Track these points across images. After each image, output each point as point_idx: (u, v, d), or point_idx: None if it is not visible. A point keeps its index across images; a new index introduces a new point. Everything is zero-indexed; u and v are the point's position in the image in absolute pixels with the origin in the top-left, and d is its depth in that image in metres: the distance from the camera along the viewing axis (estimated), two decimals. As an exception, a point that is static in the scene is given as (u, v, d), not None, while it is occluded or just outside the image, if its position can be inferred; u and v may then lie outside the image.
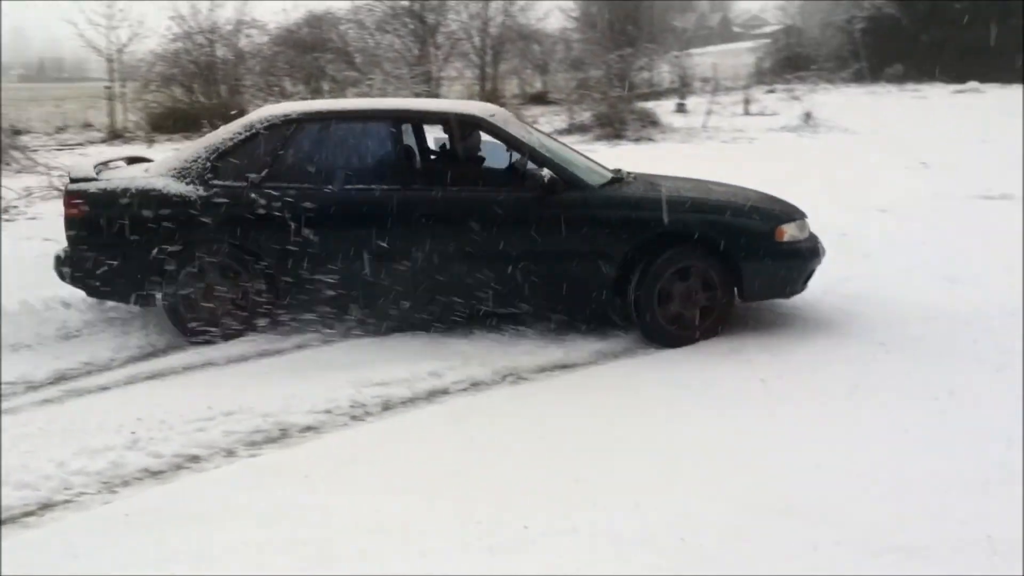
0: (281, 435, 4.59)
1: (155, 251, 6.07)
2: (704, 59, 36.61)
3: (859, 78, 34.77)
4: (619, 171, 6.79)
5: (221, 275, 6.13)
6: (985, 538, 3.32)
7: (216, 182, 6.14)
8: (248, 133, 6.28)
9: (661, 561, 3.27)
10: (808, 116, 20.67)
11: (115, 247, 6.14)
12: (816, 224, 6.43)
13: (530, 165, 6.24)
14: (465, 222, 5.98)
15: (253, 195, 6.04)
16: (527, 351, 5.77)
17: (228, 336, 6.10)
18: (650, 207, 6.04)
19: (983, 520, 3.48)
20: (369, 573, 3.26)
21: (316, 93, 20.82)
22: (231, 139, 6.30)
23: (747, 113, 24.09)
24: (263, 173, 6.12)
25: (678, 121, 21.50)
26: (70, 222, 6.25)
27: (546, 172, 6.03)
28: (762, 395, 4.93)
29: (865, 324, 6.09)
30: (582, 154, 7.06)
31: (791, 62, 36.49)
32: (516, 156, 6.48)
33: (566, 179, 6.08)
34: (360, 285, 6.05)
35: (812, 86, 30.91)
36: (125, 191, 6.18)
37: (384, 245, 5.97)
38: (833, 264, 6.52)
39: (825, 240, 6.37)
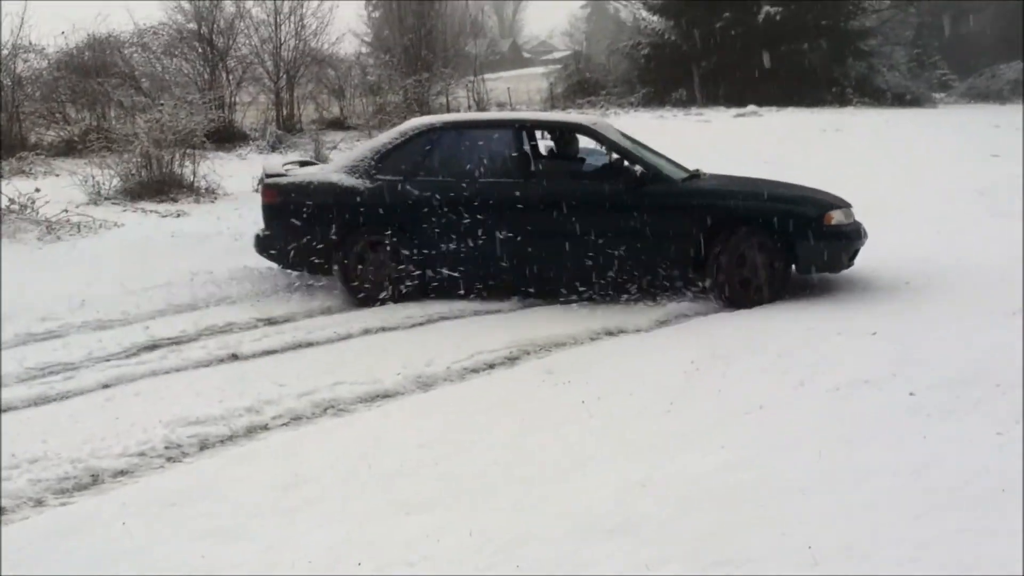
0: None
1: (332, 231, 7.58)
2: (498, 84, 37.16)
3: (647, 102, 35.99)
4: (697, 170, 8.16)
5: (384, 252, 7.64)
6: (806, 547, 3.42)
7: (379, 177, 7.72)
8: (403, 138, 7.95)
9: None
10: (602, 139, 21.18)
11: (302, 229, 7.64)
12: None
13: (623, 163, 7.78)
14: (573, 209, 7.44)
15: (408, 187, 7.61)
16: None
17: (386, 301, 7.48)
18: (723, 196, 7.69)
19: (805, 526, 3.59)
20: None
21: (103, 119, 19.91)
22: (390, 143, 7.98)
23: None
24: (414, 169, 7.72)
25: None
26: (267, 208, 7.95)
27: (638, 168, 7.58)
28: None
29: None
30: (664, 156, 8.36)
31: (582, 87, 37.47)
32: (613, 157, 8.00)
33: (654, 174, 7.59)
34: (488, 260, 7.52)
35: (603, 110, 31.85)
36: (309, 184, 7.91)
37: (507, 227, 7.47)
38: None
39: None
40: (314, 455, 4.53)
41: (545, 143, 8.54)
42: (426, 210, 7.55)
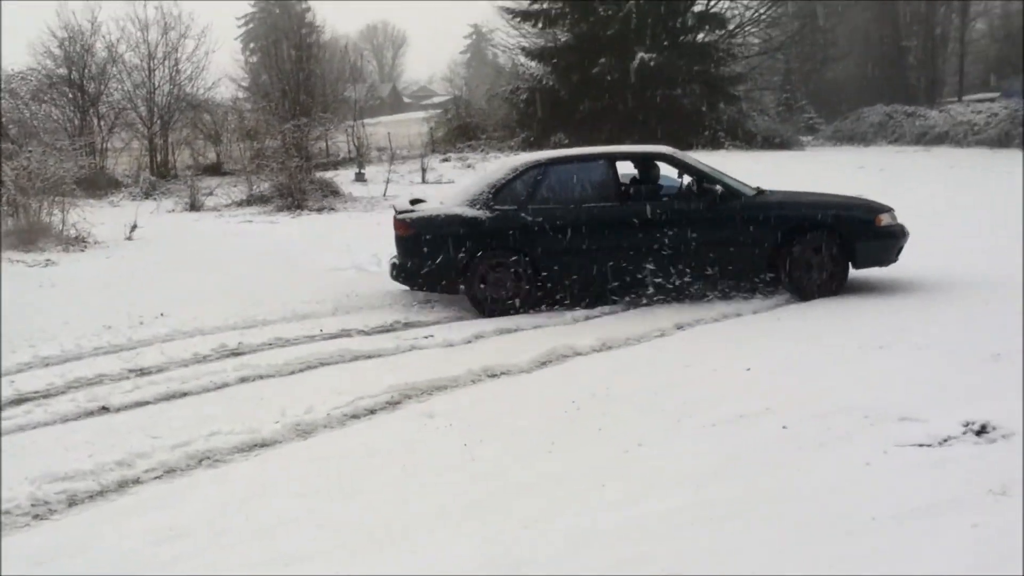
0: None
1: (460, 256, 8.79)
2: (378, 129, 37.15)
3: (527, 146, 36.35)
4: (759, 187, 9.41)
5: (503, 271, 8.84)
6: None
7: (496, 207, 8.93)
8: (514, 174, 9.14)
9: None
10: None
11: (432, 254, 8.83)
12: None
13: (698, 185, 9.15)
14: (663, 225, 8.81)
15: (522, 215, 8.87)
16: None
17: (507, 313, 8.69)
18: (791, 208, 9.13)
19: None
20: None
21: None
22: (503, 178, 9.13)
23: (424, 181, 24.59)
24: (526, 200, 8.95)
25: (359, 190, 21.64)
26: (401, 240, 9.13)
27: (718, 187, 8.92)
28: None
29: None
30: (732, 177, 9.40)
31: (462, 131, 37.70)
32: (686, 180, 9.35)
33: (730, 192, 8.98)
34: (592, 273, 8.86)
35: (484, 154, 32.08)
36: (437, 216, 9.11)
37: (608, 245, 8.80)
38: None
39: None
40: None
41: (627, 173, 9.77)
42: (538, 234, 8.82)
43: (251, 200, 20.02)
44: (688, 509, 4.12)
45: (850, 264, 8.90)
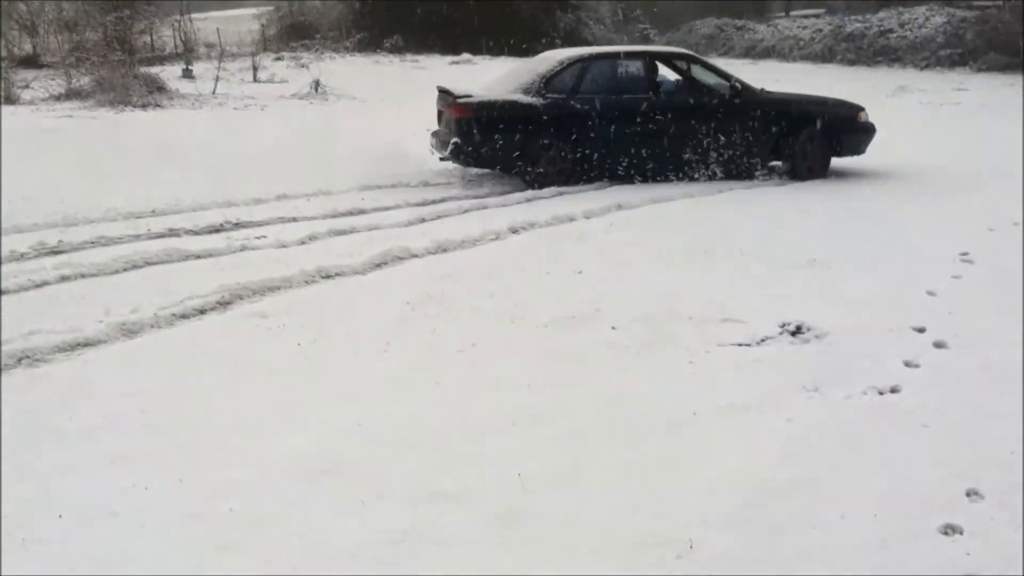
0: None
1: (516, 137, 9.94)
2: (207, 24, 35.66)
3: (362, 48, 35.64)
4: (762, 88, 11.13)
5: (553, 150, 10.16)
6: (516, 476, 3.55)
7: (548, 95, 10.18)
8: (561, 66, 10.41)
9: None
10: (317, 84, 20.90)
11: (491, 137, 9.95)
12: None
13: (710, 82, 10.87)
14: (687, 115, 10.43)
15: (571, 102, 10.18)
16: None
17: (549, 185, 10.02)
18: (794, 104, 11.05)
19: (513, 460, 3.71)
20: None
21: None
22: (551, 69, 10.37)
23: (256, 80, 23.86)
24: (573, 89, 10.27)
25: (186, 87, 20.83)
26: (460, 122, 10.00)
27: (737, 83, 10.67)
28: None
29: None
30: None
31: (296, 30, 36.69)
32: (702, 77, 10.94)
33: (744, 87, 10.72)
34: (627, 155, 10.31)
35: (318, 55, 31.29)
36: (495, 102, 10.18)
37: (641, 131, 10.24)
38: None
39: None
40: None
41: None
42: (582, 120, 10.12)
43: (69, 94, 19.00)
44: (519, 408, 4.20)
45: (836, 152, 11.00)
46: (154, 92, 18.93)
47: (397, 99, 19.10)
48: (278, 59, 30.51)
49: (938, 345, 4.99)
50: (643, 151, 10.29)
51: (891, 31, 35.31)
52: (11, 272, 6.38)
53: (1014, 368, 4.61)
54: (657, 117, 10.26)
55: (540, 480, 3.53)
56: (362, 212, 8.65)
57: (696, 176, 10.44)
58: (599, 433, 3.94)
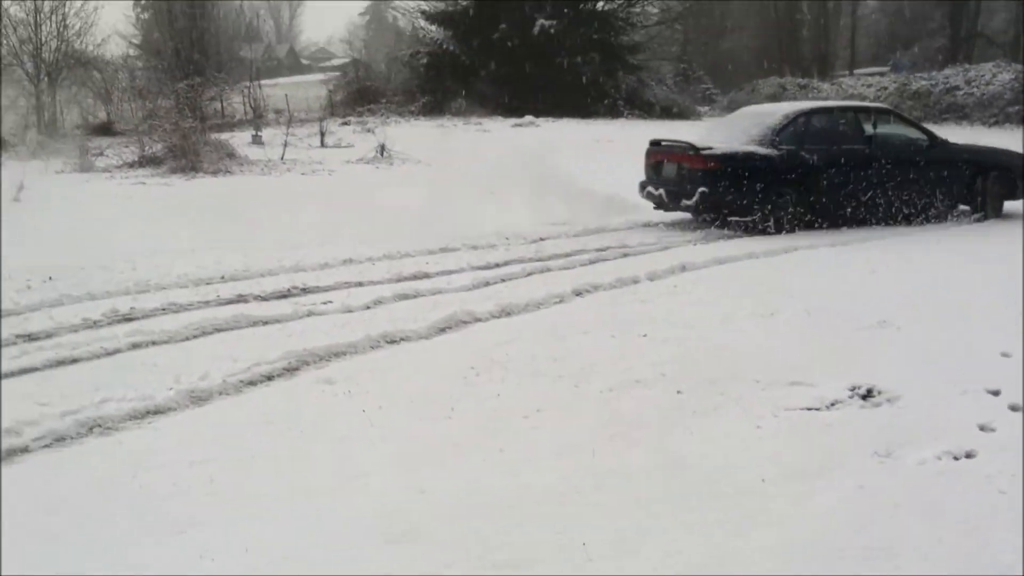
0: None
1: (757, 186, 10.97)
2: (275, 91, 36.50)
3: (428, 111, 36.15)
4: (945, 139, 12.50)
5: (787, 199, 11.16)
6: (581, 545, 3.51)
7: (781, 147, 11.24)
8: (787, 120, 11.53)
9: None
10: (383, 148, 21.21)
11: (736, 186, 11.00)
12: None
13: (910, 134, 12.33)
14: (896, 165, 11.57)
15: (801, 153, 11.23)
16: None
17: (781, 232, 11.03)
18: (980, 154, 12.62)
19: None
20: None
21: None
22: (780, 123, 11.48)
23: (323, 145, 24.29)
24: (800, 141, 11.36)
25: (255, 153, 21.27)
26: (708, 173, 11.05)
27: (931, 135, 12.19)
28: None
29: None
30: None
31: (362, 95, 37.30)
32: (901, 131, 12.38)
33: (939, 139, 12.22)
34: (846, 201, 11.42)
35: (384, 119, 31.79)
36: (736, 153, 11.26)
37: (859, 179, 11.40)
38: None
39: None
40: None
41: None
42: (812, 169, 11.18)
43: (143, 161, 19.52)
44: (583, 474, 4.17)
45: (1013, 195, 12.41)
46: (224, 158, 19.36)
47: (460, 162, 19.29)
48: (345, 124, 31.06)
49: (1014, 408, 4.87)
50: (862, 197, 11.42)
51: (958, 88, 34.98)
52: (84, 340, 6.52)
53: (1093, 432, 4.49)
54: (873, 166, 11.44)
55: (605, 547, 3.50)
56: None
57: (904, 220, 11.64)
58: (663, 499, 3.89)
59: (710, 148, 11.24)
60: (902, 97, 35.88)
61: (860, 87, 39.62)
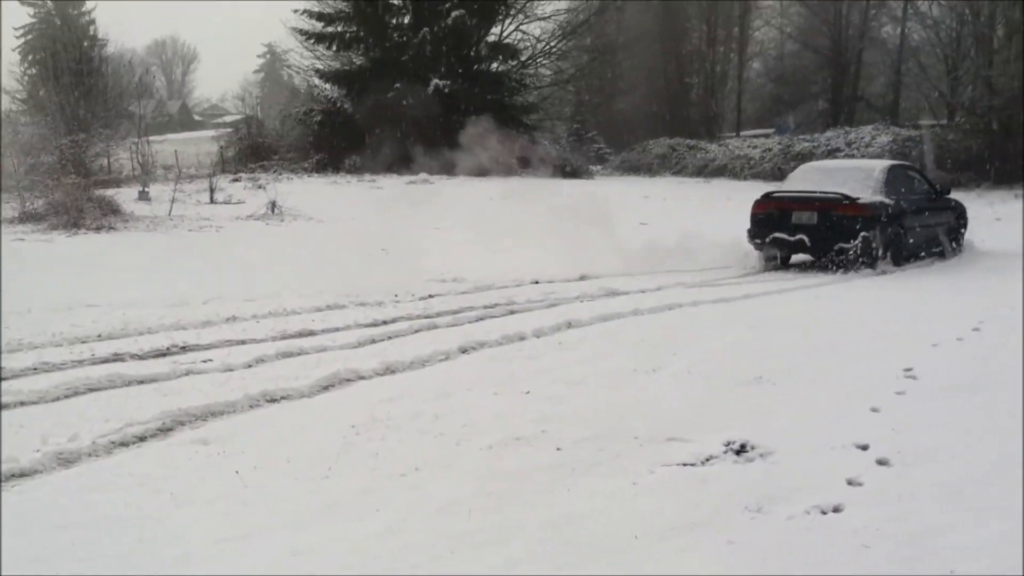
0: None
1: (888, 231, 13.51)
2: (165, 146, 35.96)
3: (321, 168, 36.00)
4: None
5: (899, 239, 13.78)
6: None
7: (890, 196, 13.53)
8: (886, 173, 13.96)
9: None
10: (274, 205, 21.02)
11: (886, 231, 13.46)
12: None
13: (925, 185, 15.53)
14: (933, 213, 14.92)
15: (901, 202, 13.78)
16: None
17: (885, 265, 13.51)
18: (953, 200, 15.87)
19: None
20: None
21: None
22: (884, 175, 13.81)
23: (213, 201, 23.96)
24: (898, 191, 13.86)
25: (142, 209, 20.85)
26: (865, 220, 13.09)
27: (940, 187, 15.52)
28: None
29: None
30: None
31: (254, 151, 36.99)
32: (918, 182, 15.30)
33: (946, 191, 15.61)
34: (922, 244, 14.51)
35: (276, 175, 31.55)
36: (876, 203, 13.30)
37: (920, 223, 14.33)
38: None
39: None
40: None
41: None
42: (903, 214, 13.73)
43: (23, 218, 18.95)
44: (462, 535, 4.13)
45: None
46: (108, 214, 18.91)
47: (354, 219, 19.25)
48: (236, 180, 30.69)
49: (881, 463, 4.99)
50: (926, 237, 14.58)
51: (839, 150, 36.28)
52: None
53: (957, 484, 4.63)
54: (930, 212, 14.75)
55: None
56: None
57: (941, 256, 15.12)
58: (540, 559, 3.88)
59: (858, 199, 13.12)
60: (786, 158, 37.06)
61: (747, 148, 40.83)
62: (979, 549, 3.90)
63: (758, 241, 13.81)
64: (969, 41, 38.16)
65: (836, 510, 4.35)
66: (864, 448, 5.23)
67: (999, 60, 35.13)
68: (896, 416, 5.86)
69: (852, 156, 35.41)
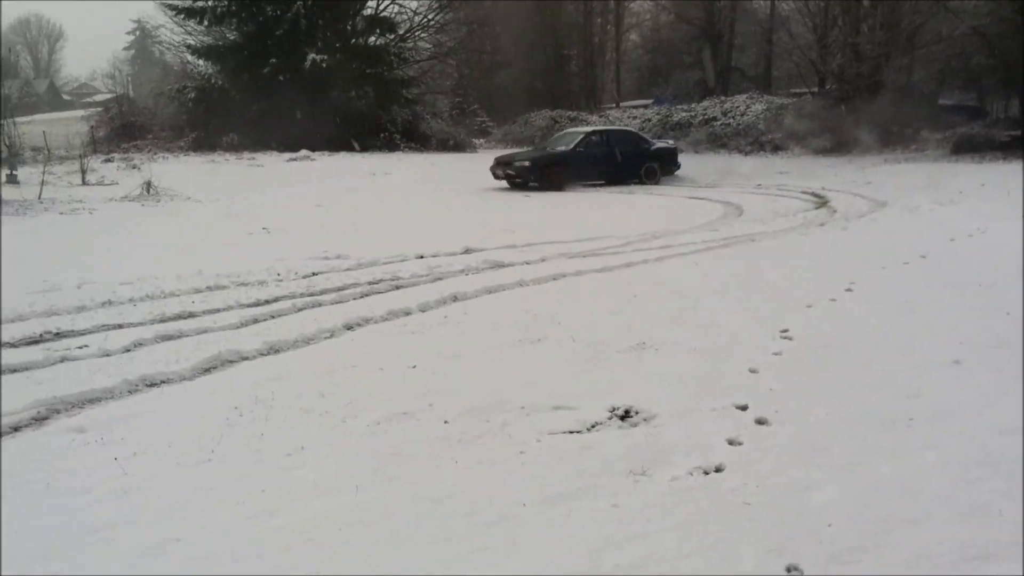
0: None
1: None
2: (33, 127, 34.63)
3: (197, 146, 35.18)
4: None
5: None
6: None
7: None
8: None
9: None
10: (149, 185, 20.48)
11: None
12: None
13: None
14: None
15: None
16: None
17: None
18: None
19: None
20: None
21: None
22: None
23: (85, 183, 23.22)
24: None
25: (9, 193, 20.08)
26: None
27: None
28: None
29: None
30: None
31: (127, 130, 35.98)
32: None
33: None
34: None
35: (151, 155, 30.71)
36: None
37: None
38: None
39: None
40: None
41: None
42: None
43: None
44: (345, 512, 4.09)
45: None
46: (-28, 199, 18.17)
47: (233, 199, 18.87)
48: (108, 160, 29.82)
49: (760, 422, 5.12)
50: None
51: (715, 119, 36.97)
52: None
53: (829, 440, 4.78)
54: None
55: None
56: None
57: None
58: (425, 533, 3.87)
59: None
60: (664, 127, 37.63)
61: (626, 118, 41.36)
62: (840, 504, 4.04)
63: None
64: (836, 10, 39.17)
65: (718, 470, 4.45)
66: (744, 408, 5.36)
67: (866, 28, 36.16)
68: (774, 377, 6.02)
69: (728, 125, 36.24)
